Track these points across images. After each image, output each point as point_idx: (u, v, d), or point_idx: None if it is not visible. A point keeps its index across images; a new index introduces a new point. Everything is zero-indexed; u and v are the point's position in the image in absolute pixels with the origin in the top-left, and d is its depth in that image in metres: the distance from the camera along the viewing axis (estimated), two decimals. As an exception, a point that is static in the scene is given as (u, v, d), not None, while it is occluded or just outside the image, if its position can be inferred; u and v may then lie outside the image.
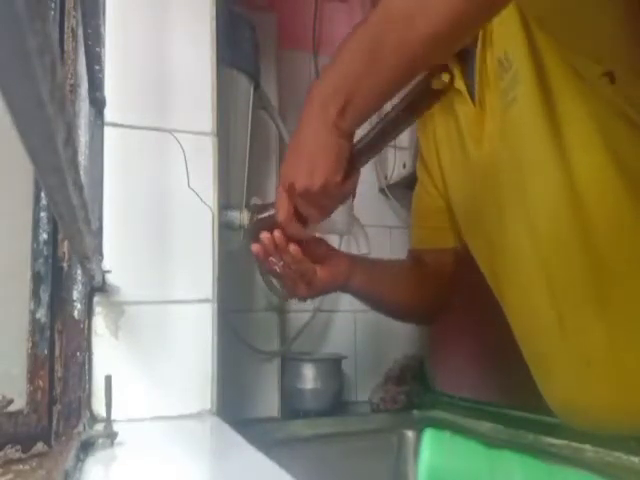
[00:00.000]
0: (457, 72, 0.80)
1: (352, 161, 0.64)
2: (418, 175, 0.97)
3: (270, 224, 0.71)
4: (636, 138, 0.64)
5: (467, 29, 0.52)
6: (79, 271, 0.59)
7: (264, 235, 0.70)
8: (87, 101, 0.61)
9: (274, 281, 0.98)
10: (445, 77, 0.64)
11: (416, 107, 0.65)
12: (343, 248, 1.14)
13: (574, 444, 0.68)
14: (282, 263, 0.72)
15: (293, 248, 0.71)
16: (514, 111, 0.69)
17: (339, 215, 0.86)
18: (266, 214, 0.73)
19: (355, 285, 0.81)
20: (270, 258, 0.72)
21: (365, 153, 0.67)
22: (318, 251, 0.77)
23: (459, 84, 0.79)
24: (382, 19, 0.54)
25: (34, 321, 0.57)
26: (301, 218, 0.68)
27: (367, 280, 0.83)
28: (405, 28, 0.51)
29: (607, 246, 0.66)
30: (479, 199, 0.79)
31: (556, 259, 0.69)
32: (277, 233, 0.70)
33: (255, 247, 0.72)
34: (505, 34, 0.70)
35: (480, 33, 0.73)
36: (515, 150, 0.71)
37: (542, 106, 0.66)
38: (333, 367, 1.05)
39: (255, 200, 0.88)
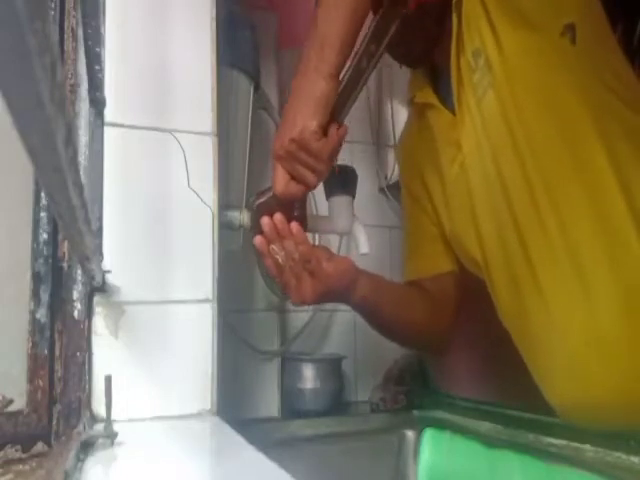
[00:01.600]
0: (428, 88, 0.83)
1: (332, 111, 0.67)
2: (405, 209, 0.97)
3: (270, 208, 0.71)
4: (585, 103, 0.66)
5: None
6: (79, 271, 0.59)
7: (265, 219, 0.70)
8: (87, 101, 0.61)
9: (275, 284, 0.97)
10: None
11: (381, 33, 0.70)
12: (343, 248, 1.15)
13: (574, 444, 0.68)
14: (284, 253, 0.70)
15: (294, 227, 0.70)
16: (487, 99, 0.71)
17: (339, 215, 0.86)
18: (264, 198, 0.73)
19: (361, 291, 0.76)
20: (272, 247, 0.71)
21: (343, 98, 0.69)
22: (322, 251, 0.75)
23: (431, 99, 0.82)
24: None
25: (34, 321, 0.57)
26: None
27: (374, 289, 0.78)
28: None
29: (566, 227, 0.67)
30: (463, 208, 0.80)
31: (541, 246, 0.69)
32: (277, 215, 0.70)
33: (258, 239, 0.71)
34: (474, 29, 0.71)
35: (453, 42, 0.74)
36: (491, 138, 0.72)
37: (508, 87, 0.69)
38: (333, 367, 1.05)
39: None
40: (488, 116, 0.72)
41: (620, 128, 0.67)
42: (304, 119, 0.65)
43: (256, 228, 0.72)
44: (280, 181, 0.70)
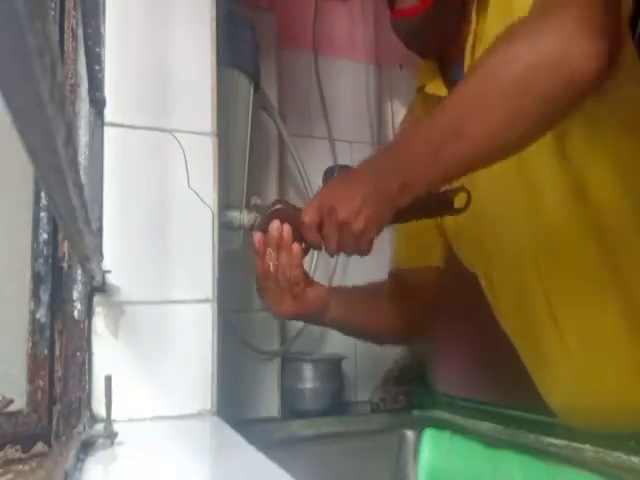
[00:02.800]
0: (438, 79, 0.82)
1: None
2: None
3: (283, 218, 0.70)
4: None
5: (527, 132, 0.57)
6: (79, 271, 0.59)
7: (276, 222, 0.69)
8: (87, 101, 0.61)
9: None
10: (463, 197, 0.68)
11: (429, 212, 0.71)
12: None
13: (574, 444, 0.68)
14: (277, 264, 0.70)
15: (296, 247, 0.69)
16: None
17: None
18: (281, 206, 0.71)
19: (331, 314, 0.79)
20: (269, 250, 0.70)
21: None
22: (306, 276, 0.75)
23: (440, 90, 0.81)
24: (450, 125, 0.59)
25: (34, 321, 0.57)
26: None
27: (344, 310, 0.81)
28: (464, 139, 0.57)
29: (610, 246, 0.67)
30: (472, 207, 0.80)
31: (549, 259, 0.70)
32: (287, 227, 0.69)
33: (258, 235, 0.71)
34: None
35: (470, 40, 0.74)
36: None
37: None
38: (333, 367, 1.05)
39: (255, 200, 0.88)
40: None
41: None
42: (369, 223, 0.61)
43: (260, 228, 0.72)
44: (311, 217, 0.65)
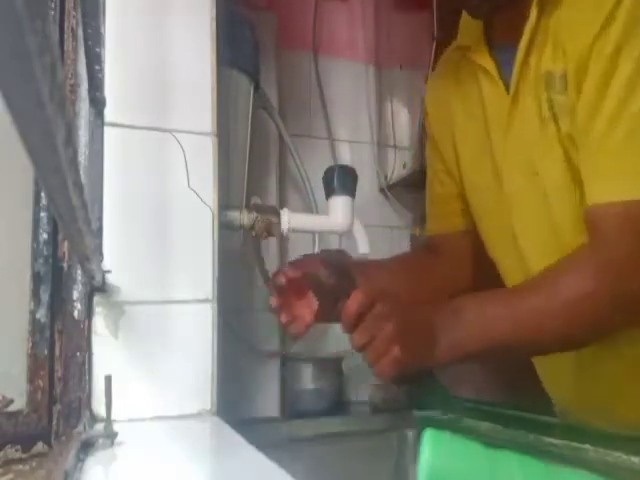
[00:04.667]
0: (483, 48, 0.77)
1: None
2: (428, 159, 0.95)
3: (310, 285, 0.69)
4: None
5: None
6: (79, 271, 0.59)
7: (300, 308, 0.71)
8: (87, 101, 0.61)
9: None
10: None
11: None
12: (343, 248, 1.14)
13: (574, 444, 0.68)
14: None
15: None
16: (549, 128, 0.69)
17: (339, 214, 0.86)
18: (309, 266, 0.70)
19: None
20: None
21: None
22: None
23: (486, 61, 0.76)
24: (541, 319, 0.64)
25: (34, 321, 0.57)
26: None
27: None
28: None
29: None
30: (494, 190, 0.78)
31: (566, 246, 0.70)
32: (311, 316, 0.72)
33: (275, 301, 0.73)
34: (571, 55, 0.66)
35: (527, 31, 0.70)
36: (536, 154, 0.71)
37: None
38: (333, 367, 1.05)
39: (255, 200, 0.88)
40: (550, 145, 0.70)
41: None
42: (408, 356, 0.60)
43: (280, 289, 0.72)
44: (351, 312, 0.61)
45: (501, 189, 0.76)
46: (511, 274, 0.80)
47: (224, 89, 0.74)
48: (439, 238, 0.93)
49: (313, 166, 1.11)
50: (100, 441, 0.48)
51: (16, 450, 0.53)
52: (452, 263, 0.91)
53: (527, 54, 0.71)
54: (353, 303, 0.61)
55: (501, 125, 0.75)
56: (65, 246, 0.60)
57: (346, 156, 1.23)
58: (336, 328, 1.16)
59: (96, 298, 0.59)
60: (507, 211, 0.77)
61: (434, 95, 0.93)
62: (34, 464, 0.52)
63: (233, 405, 0.91)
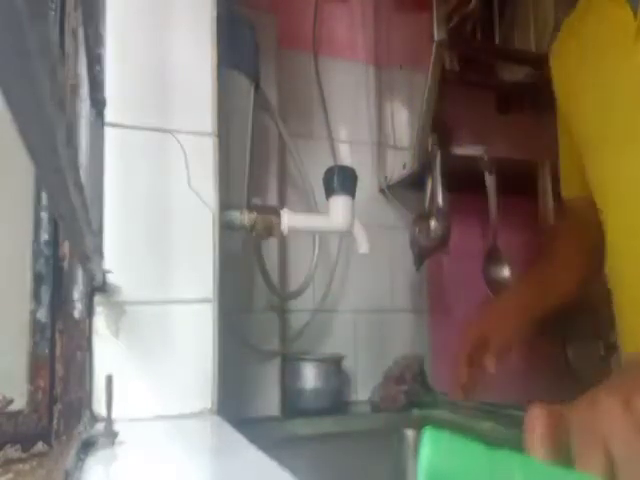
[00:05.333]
0: None
1: None
2: (559, 112, 0.89)
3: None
4: None
5: None
6: (80, 271, 0.59)
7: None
8: (87, 102, 0.61)
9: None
10: None
11: None
12: (343, 248, 1.15)
13: (574, 444, 0.68)
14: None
15: None
16: None
17: (339, 214, 0.86)
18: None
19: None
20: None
21: None
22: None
23: (625, 12, 0.71)
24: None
25: (35, 321, 0.57)
26: None
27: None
28: None
29: None
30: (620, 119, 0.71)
31: None
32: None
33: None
34: None
35: None
36: None
37: None
38: (333, 367, 1.05)
39: (256, 200, 0.88)
40: None
41: None
42: None
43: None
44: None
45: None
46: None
47: (224, 89, 0.74)
48: (575, 201, 0.89)
49: (313, 166, 1.11)
50: (100, 441, 0.48)
51: (16, 450, 0.53)
52: (592, 226, 0.83)
53: None
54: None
55: (627, 50, 0.70)
56: (66, 246, 0.60)
57: (346, 156, 1.23)
58: (336, 328, 1.17)
59: (97, 298, 0.59)
60: None
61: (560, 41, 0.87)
62: (34, 464, 0.52)
63: (234, 404, 0.91)
